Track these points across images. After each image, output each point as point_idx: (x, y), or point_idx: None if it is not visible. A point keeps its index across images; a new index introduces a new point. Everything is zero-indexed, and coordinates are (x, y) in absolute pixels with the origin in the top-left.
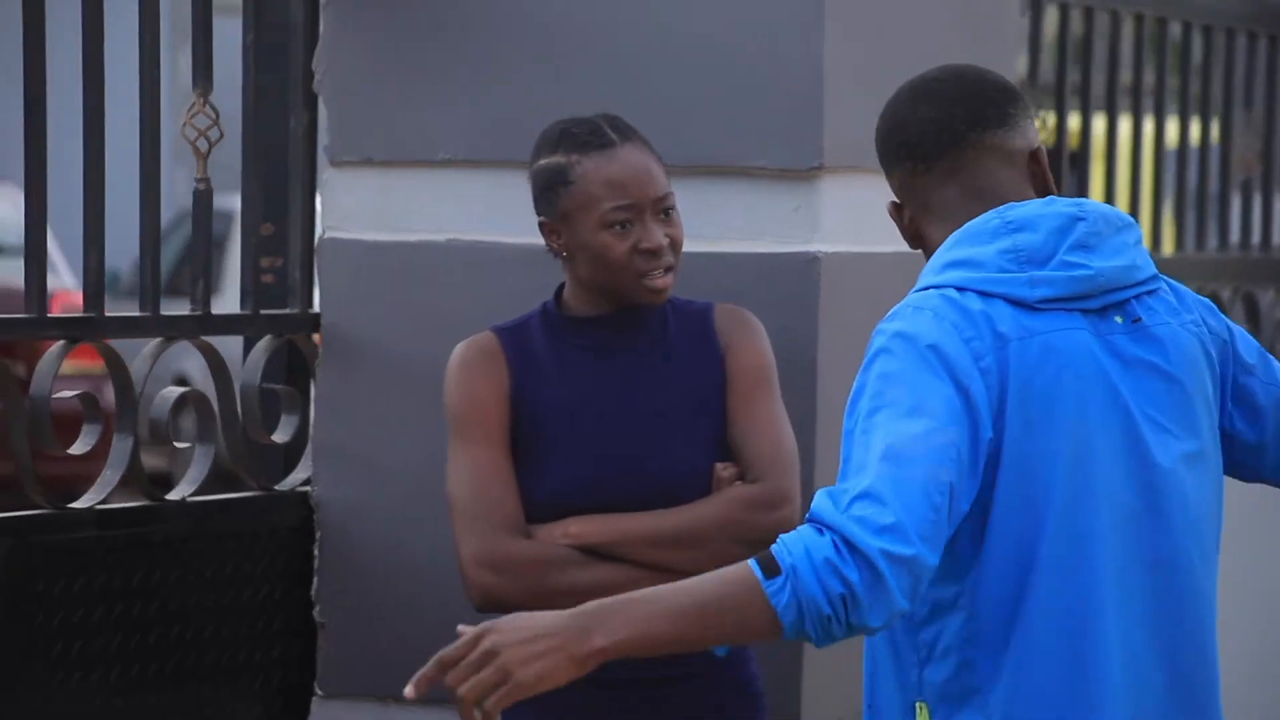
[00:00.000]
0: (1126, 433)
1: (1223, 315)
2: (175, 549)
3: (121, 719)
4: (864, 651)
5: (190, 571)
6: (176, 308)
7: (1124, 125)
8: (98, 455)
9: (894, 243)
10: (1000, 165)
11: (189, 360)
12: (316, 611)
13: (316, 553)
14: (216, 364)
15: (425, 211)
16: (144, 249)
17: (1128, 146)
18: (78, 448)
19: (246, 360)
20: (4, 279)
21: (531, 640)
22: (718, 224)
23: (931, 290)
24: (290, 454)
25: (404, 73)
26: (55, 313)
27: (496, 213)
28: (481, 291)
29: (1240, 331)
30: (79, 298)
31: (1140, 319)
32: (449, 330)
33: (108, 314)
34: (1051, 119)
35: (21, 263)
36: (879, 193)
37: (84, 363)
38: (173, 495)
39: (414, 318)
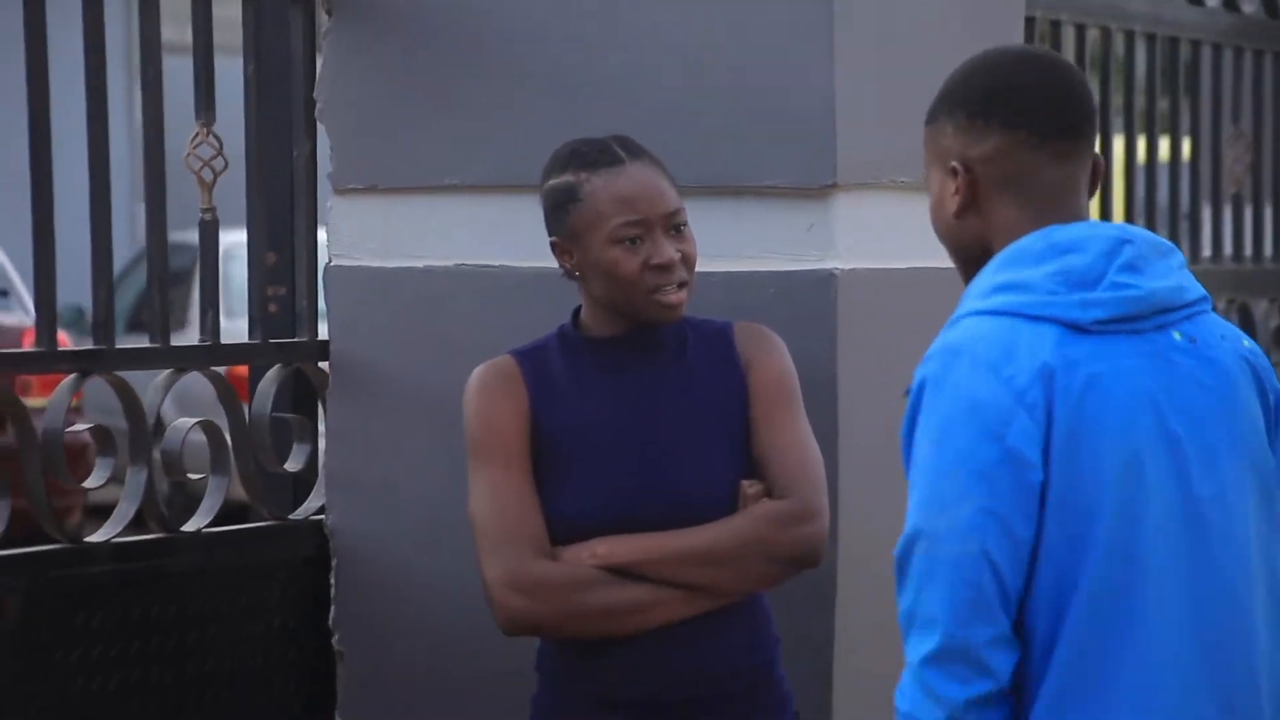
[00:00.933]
0: (1174, 463)
1: (1276, 377)
2: (191, 581)
3: None
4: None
5: (207, 603)
6: (137, 343)
7: (1117, 143)
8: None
9: (909, 258)
10: (1081, 170)
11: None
12: (335, 640)
13: (333, 581)
14: (227, 394)
15: (432, 237)
16: (151, 281)
17: (1121, 164)
18: (91, 481)
19: (257, 390)
20: None
21: None
22: (732, 243)
23: (974, 318)
24: (298, 484)
25: (407, 99)
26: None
27: (504, 237)
28: (490, 317)
29: None
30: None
31: (1195, 339)
32: (458, 356)
33: (120, 346)
34: None
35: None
36: (893, 209)
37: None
38: (188, 527)
39: (423, 344)
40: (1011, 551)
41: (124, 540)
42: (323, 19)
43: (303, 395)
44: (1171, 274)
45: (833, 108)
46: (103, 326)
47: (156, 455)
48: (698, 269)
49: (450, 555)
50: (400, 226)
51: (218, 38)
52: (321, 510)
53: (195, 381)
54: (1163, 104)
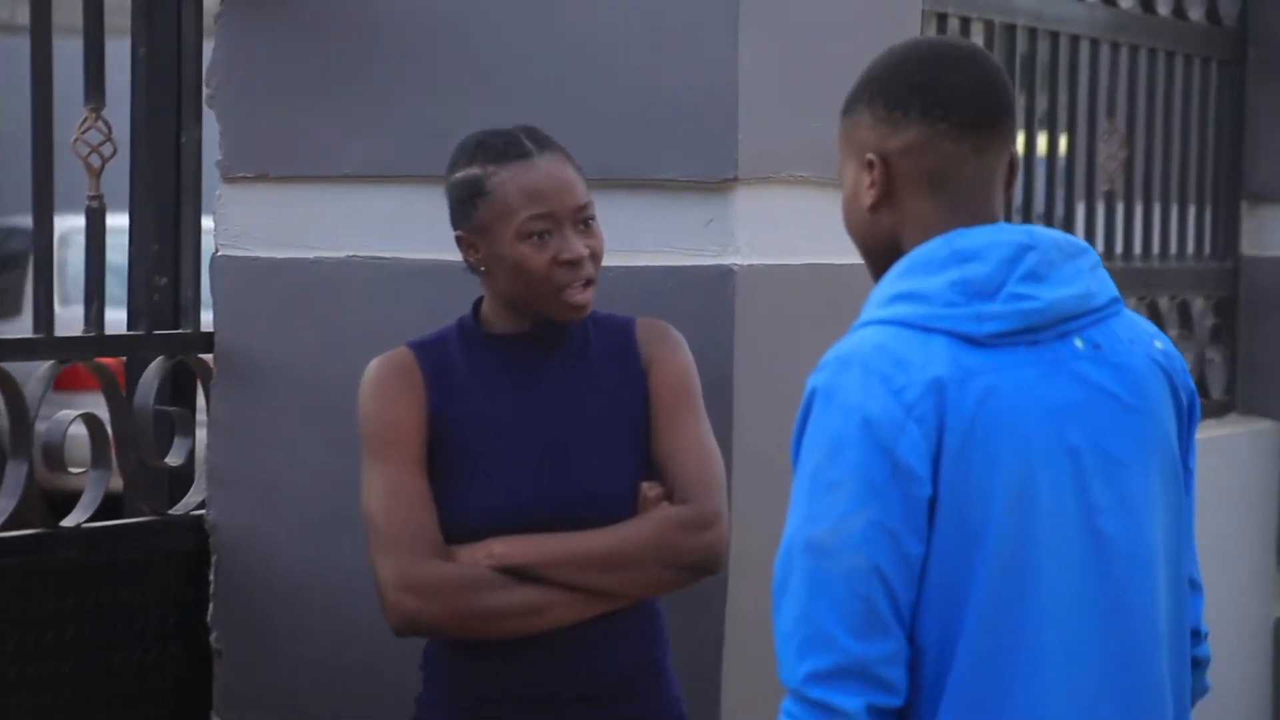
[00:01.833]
0: (1074, 476)
1: (1190, 377)
2: (70, 576)
3: None
4: None
5: (86, 599)
6: None
7: None
8: None
9: (809, 254)
10: (999, 166)
11: None
12: (213, 638)
13: (212, 578)
14: (110, 386)
15: (323, 228)
16: (37, 271)
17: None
18: None
19: (140, 382)
20: None
21: None
22: (629, 237)
23: (871, 328)
24: (175, 478)
25: (300, 86)
26: None
27: (398, 229)
28: (382, 309)
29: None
30: None
31: (1100, 345)
32: (348, 349)
33: (3, 337)
34: None
35: None
36: (793, 204)
37: None
38: (67, 521)
39: (312, 336)
40: (902, 566)
41: (3, 535)
42: (214, 2)
43: (180, 388)
44: (1079, 278)
45: (735, 100)
46: None
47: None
48: None
49: (334, 553)
50: (290, 216)
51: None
52: (202, 505)
53: None
54: (1044, 99)
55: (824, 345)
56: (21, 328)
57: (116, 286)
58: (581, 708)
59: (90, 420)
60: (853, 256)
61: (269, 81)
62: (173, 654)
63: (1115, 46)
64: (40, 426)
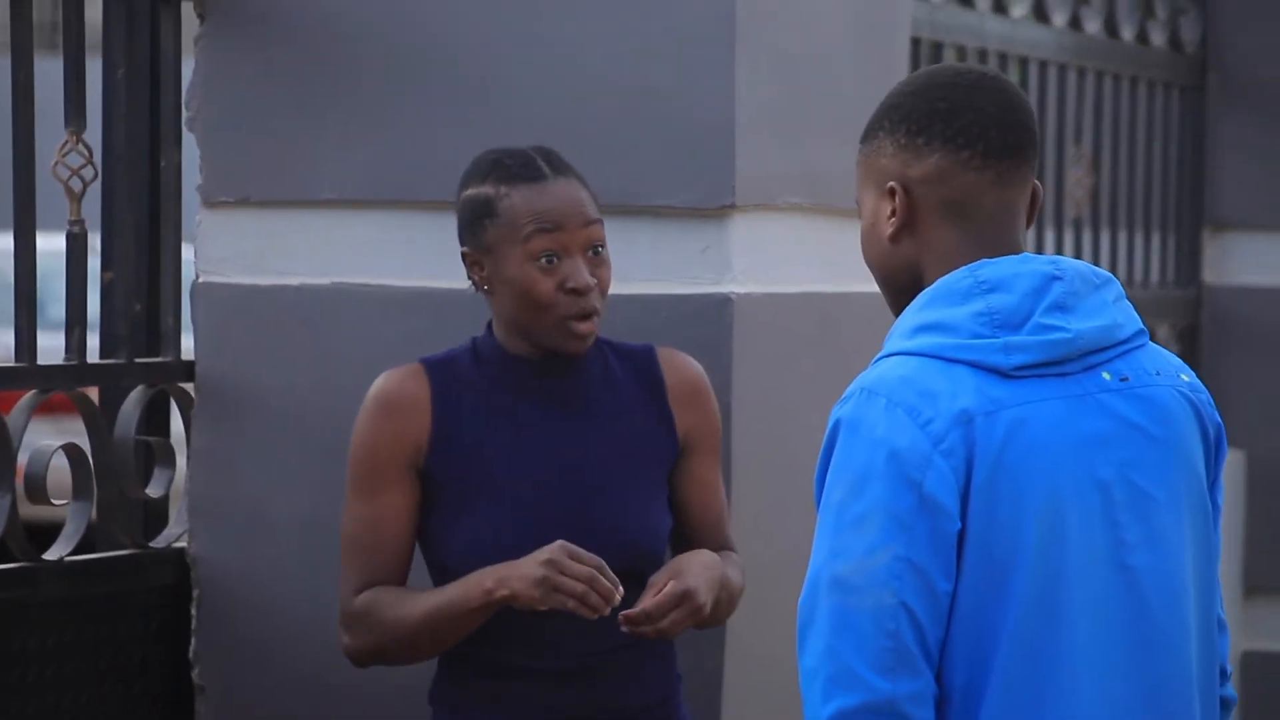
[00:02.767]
0: (1104, 510)
1: (1216, 411)
2: (53, 611)
3: None
4: None
5: (68, 634)
6: None
7: None
8: None
9: (805, 283)
10: (1022, 196)
11: None
12: (195, 674)
13: (194, 612)
14: (91, 416)
15: (307, 254)
16: (19, 299)
17: None
18: None
19: (120, 411)
20: None
21: None
22: (624, 265)
23: (895, 359)
24: (151, 509)
25: (283, 109)
26: None
27: (383, 255)
28: (368, 337)
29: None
30: None
31: (1127, 378)
32: (333, 377)
33: None
34: None
35: None
36: (788, 231)
37: None
38: (49, 554)
39: (296, 364)
40: (930, 603)
41: None
42: (194, 23)
43: (154, 417)
44: (1105, 310)
45: (732, 127)
46: None
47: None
48: None
49: (318, 586)
50: (273, 242)
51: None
52: (183, 537)
53: None
54: None
55: (820, 373)
56: None
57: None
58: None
59: (72, 451)
60: (847, 285)
61: (251, 104)
62: (154, 690)
63: (1081, 72)
64: (21, 457)
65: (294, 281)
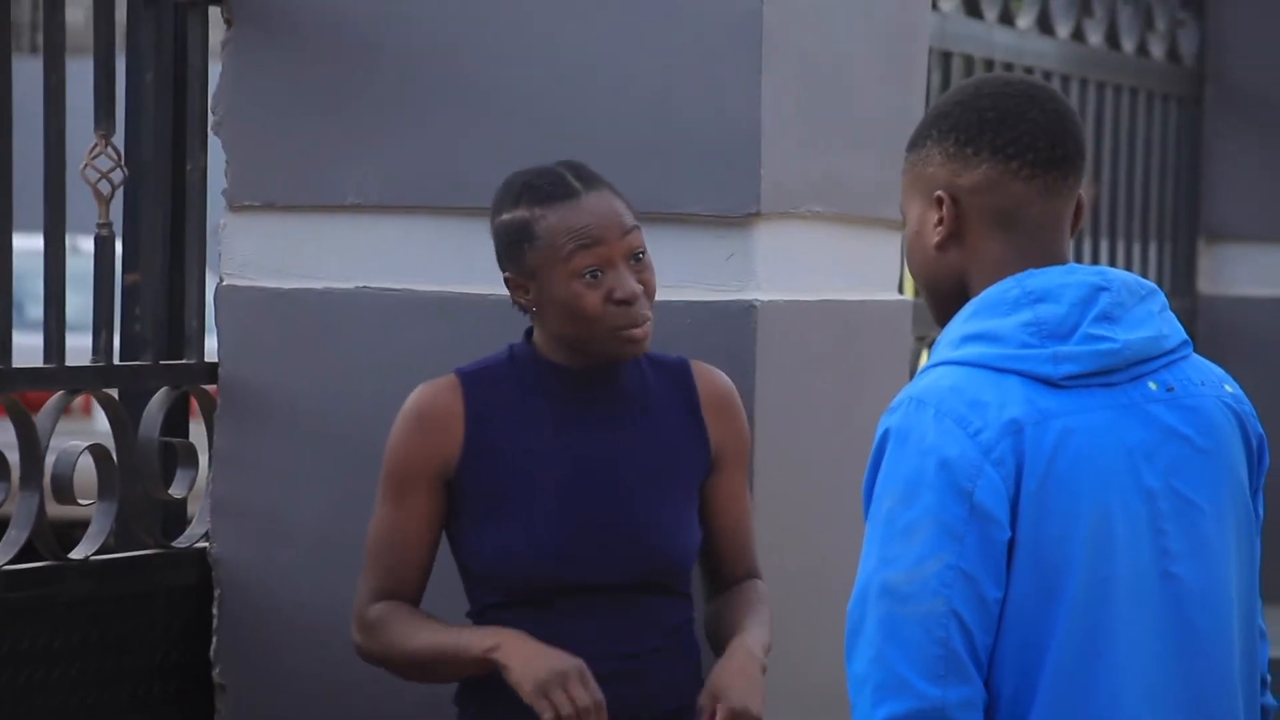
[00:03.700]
0: (1150, 519)
1: (1259, 422)
2: (78, 610)
3: None
4: None
5: (91, 633)
6: None
7: None
8: None
9: (825, 291)
10: (1068, 208)
11: None
12: (216, 673)
13: (215, 612)
14: (117, 417)
15: (331, 258)
16: (48, 300)
17: None
18: None
19: (145, 413)
20: None
21: None
22: None
23: (943, 369)
24: (170, 509)
25: (309, 114)
26: None
27: (408, 260)
28: (391, 341)
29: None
30: None
31: (1173, 388)
32: (356, 380)
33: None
34: None
35: None
36: (813, 239)
37: None
38: (75, 554)
39: (319, 367)
40: (980, 610)
41: (14, 568)
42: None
43: (171, 418)
44: (1151, 320)
45: (758, 135)
46: (1, 345)
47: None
48: None
49: (339, 586)
50: (298, 246)
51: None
52: (205, 538)
53: None
54: None
55: (842, 380)
56: None
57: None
58: None
59: (98, 451)
60: (869, 293)
61: (276, 109)
62: (175, 689)
63: (1084, 83)
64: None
65: (318, 285)
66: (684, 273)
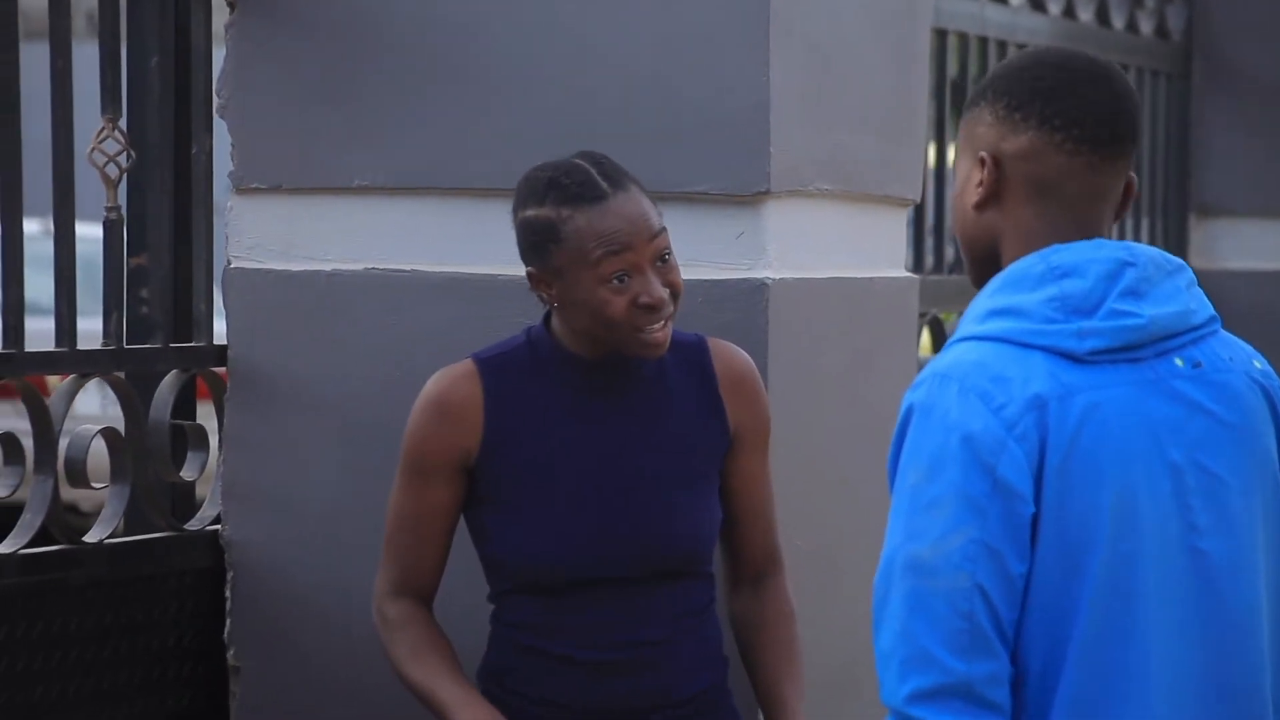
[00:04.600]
0: (1176, 494)
1: None
2: (92, 594)
3: None
4: None
5: (106, 616)
6: None
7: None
8: None
9: (834, 269)
10: (1113, 188)
11: None
12: (231, 655)
13: (229, 594)
14: (129, 400)
15: (339, 239)
16: (59, 283)
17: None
18: None
19: (155, 396)
20: None
21: None
22: None
23: (967, 344)
24: (179, 492)
25: (315, 96)
26: None
27: (415, 241)
28: (400, 323)
29: None
30: None
31: (1200, 364)
32: (365, 362)
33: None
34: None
35: None
36: (822, 217)
37: None
38: (89, 537)
39: (328, 349)
40: (1005, 584)
41: (30, 551)
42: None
43: (183, 402)
44: (1178, 296)
45: (767, 113)
46: (14, 330)
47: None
48: None
49: (352, 567)
50: (306, 228)
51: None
52: (217, 520)
53: None
54: None
55: (855, 359)
56: None
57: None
58: None
59: (109, 435)
60: (877, 270)
61: (282, 91)
62: (190, 671)
63: None
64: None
65: (326, 267)
66: (694, 252)
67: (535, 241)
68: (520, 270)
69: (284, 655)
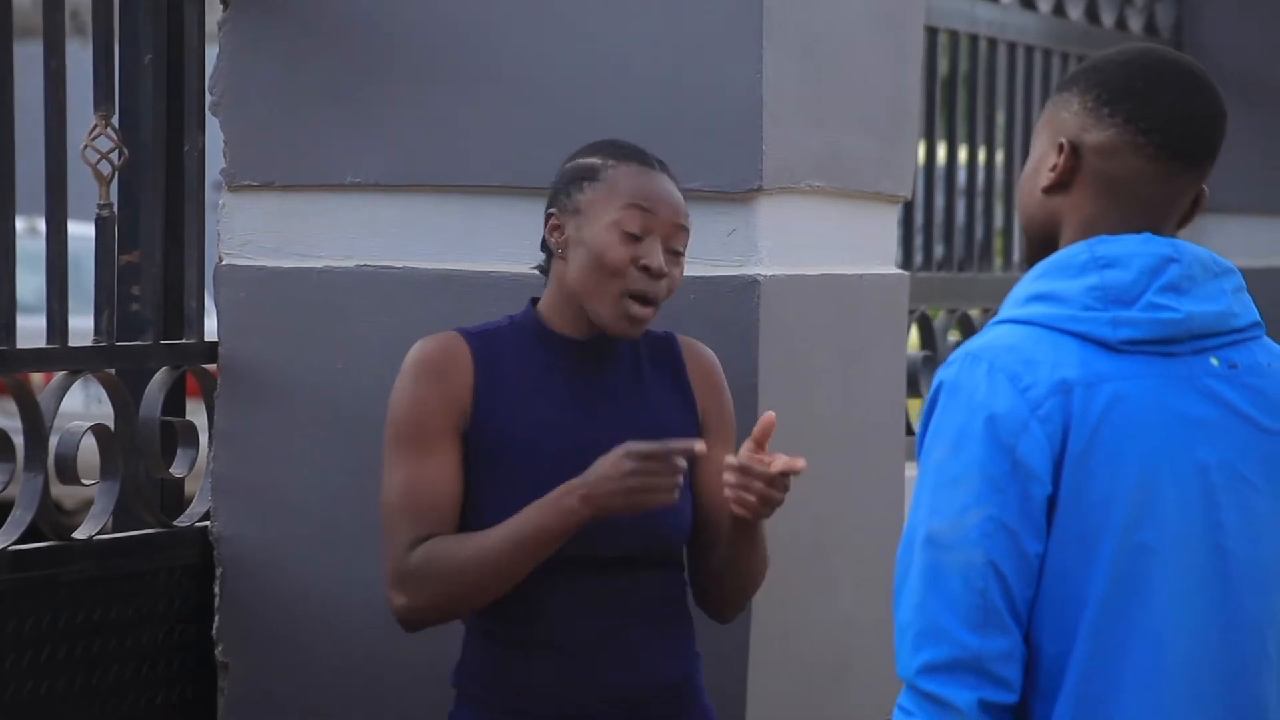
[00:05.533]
0: (1203, 492)
1: None
2: (81, 590)
3: None
4: None
5: (95, 612)
6: None
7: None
8: None
9: (826, 265)
10: (1184, 197)
11: None
12: (219, 651)
13: (217, 590)
14: (120, 397)
15: (331, 237)
16: (51, 280)
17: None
18: None
19: (145, 392)
20: None
21: None
22: None
23: (1005, 326)
24: (168, 489)
25: (307, 93)
26: None
27: (407, 238)
28: (391, 320)
29: None
30: None
31: (1236, 365)
32: (356, 359)
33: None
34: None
35: None
36: (814, 214)
37: None
38: (79, 534)
39: (319, 346)
40: (1020, 563)
41: (21, 548)
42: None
43: (172, 399)
44: (1222, 297)
45: (759, 111)
46: (5, 328)
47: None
48: None
49: (341, 564)
50: (297, 225)
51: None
52: (206, 517)
53: None
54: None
55: (842, 353)
56: None
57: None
58: None
59: (100, 431)
60: (868, 266)
61: (274, 89)
62: (178, 667)
63: (1065, 57)
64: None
65: (317, 264)
66: (687, 249)
67: (570, 181)
68: (514, 267)
69: (272, 651)
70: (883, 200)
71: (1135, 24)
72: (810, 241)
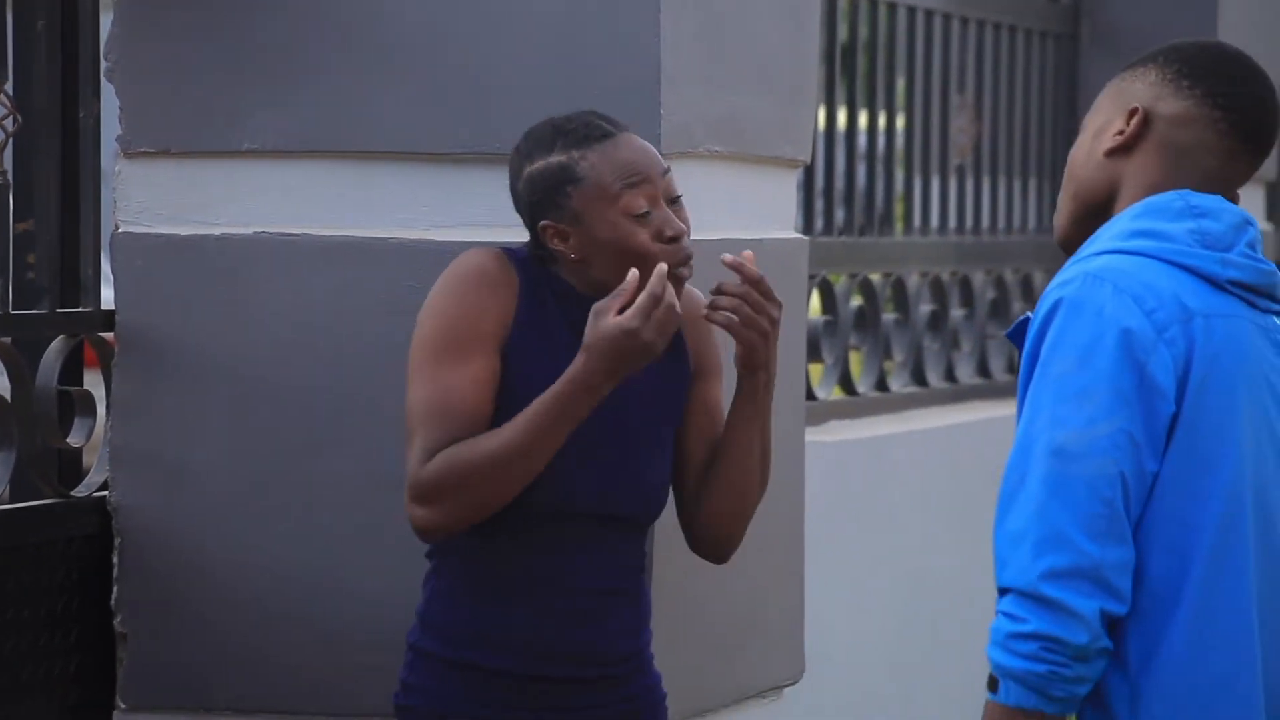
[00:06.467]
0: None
1: None
2: None
3: None
4: None
5: None
6: None
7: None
8: None
9: (728, 229)
10: (1236, 180)
11: None
12: (117, 621)
13: (116, 560)
14: (15, 366)
15: (228, 204)
16: None
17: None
18: None
19: (42, 361)
20: None
21: None
22: None
23: (1115, 255)
24: (65, 458)
25: (204, 59)
26: None
27: (306, 204)
28: (290, 287)
29: None
30: None
31: None
32: (255, 326)
33: None
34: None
35: None
36: (715, 178)
37: None
38: None
39: (218, 314)
40: (1139, 479)
41: None
42: None
43: (69, 368)
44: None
45: (658, 75)
46: None
47: None
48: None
49: (241, 533)
50: (194, 192)
51: None
52: (104, 487)
53: None
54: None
55: None
56: None
57: None
58: (575, 687)
59: None
60: (766, 231)
61: (170, 55)
62: (76, 638)
63: (964, 21)
64: None
65: (215, 231)
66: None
67: (549, 189)
68: (411, 233)
69: (171, 621)
70: (782, 165)
71: None
72: (709, 206)
